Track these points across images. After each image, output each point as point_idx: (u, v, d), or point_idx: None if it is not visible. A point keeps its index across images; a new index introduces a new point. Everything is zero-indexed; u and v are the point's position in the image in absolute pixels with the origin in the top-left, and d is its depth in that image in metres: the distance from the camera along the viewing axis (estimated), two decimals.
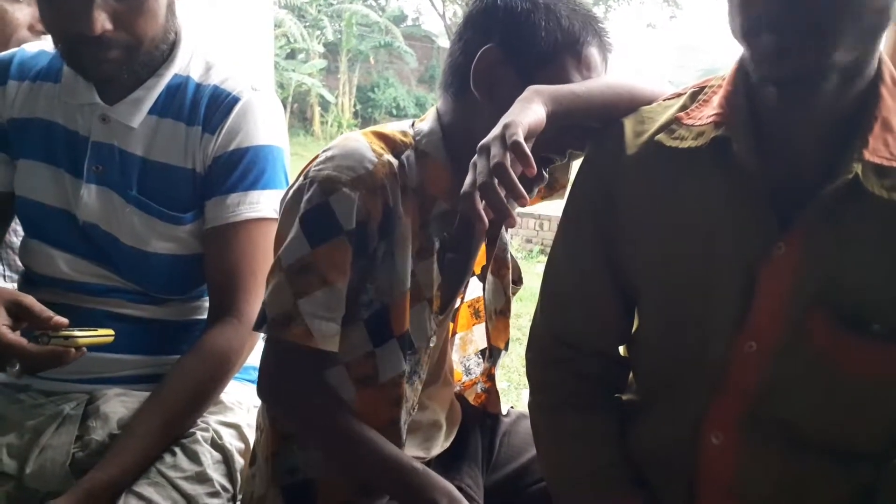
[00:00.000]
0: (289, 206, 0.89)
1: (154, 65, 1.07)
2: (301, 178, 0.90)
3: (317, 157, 0.90)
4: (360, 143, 0.90)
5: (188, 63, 1.10)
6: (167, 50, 1.08)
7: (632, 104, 0.88)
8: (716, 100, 0.80)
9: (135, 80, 1.06)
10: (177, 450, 1.01)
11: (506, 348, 1.15)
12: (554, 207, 0.93)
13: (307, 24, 16.10)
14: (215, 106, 1.07)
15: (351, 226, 0.85)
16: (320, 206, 0.85)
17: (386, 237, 0.90)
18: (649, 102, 0.88)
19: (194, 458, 1.01)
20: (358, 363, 0.93)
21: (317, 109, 16.75)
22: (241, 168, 1.07)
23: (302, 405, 0.92)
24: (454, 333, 1.16)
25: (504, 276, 1.11)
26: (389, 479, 0.89)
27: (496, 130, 0.74)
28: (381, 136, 0.93)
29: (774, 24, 0.65)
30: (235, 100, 1.08)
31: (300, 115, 17.01)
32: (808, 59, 0.65)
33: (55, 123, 1.09)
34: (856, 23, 0.64)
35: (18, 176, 1.11)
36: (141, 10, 0.97)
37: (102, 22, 0.93)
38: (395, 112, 17.71)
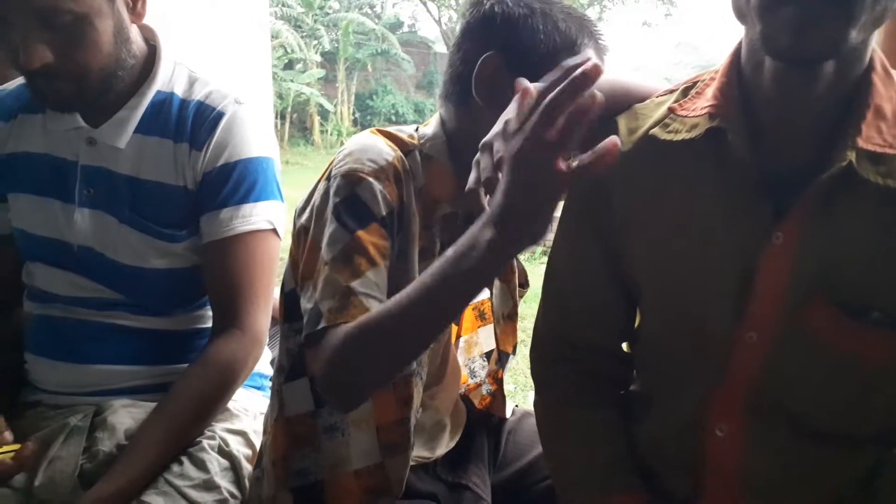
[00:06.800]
0: (320, 209, 0.89)
1: (133, 83, 1.07)
2: (324, 180, 0.90)
3: (334, 159, 0.92)
4: (376, 139, 0.92)
5: (171, 78, 1.11)
6: (145, 68, 1.08)
7: (627, 101, 0.88)
8: (709, 91, 0.80)
9: (117, 101, 1.06)
10: (184, 459, 1.02)
11: (514, 352, 1.15)
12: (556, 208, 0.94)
13: (304, 34, 16.17)
14: (201, 122, 1.08)
15: (382, 213, 0.86)
16: (349, 198, 0.86)
17: (401, 231, 0.90)
18: (644, 100, 0.88)
19: (201, 466, 1.01)
20: None
21: (316, 119, 16.80)
22: (232, 182, 1.07)
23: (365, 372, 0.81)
24: (459, 336, 1.17)
25: (510, 281, 1.11)
26: (447, 286, 0.73)
27: (497, 127, 0.74)
28: (390, 135, 0.95)
29: None
30: (220, 115, 1.08)
31: (300, 124, 17.05)
32: (829, 34, 0.64)
33: (41, 154, 1.10)
34: (872, 3, 0.63)
35: (10, 209, 1.12)
36: (80, 43, 0.97)
37: (41, 55, 0.94)
38: (394, 118, 17.77)
